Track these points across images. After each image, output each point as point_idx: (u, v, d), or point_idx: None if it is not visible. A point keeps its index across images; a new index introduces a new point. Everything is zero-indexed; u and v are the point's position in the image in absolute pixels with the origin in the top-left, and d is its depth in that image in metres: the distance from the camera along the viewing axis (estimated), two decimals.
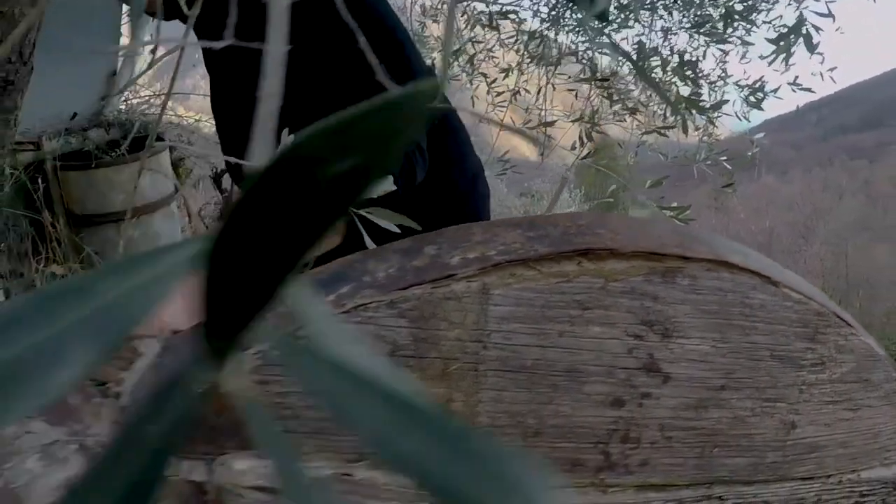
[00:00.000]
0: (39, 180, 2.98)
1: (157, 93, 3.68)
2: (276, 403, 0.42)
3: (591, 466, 0.48)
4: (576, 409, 0.46)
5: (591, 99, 2.30)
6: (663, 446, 0.50)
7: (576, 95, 2.37)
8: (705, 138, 2.94)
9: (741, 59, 2.78)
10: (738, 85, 2.85)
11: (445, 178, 1.19)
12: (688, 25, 1.91)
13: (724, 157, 3.18)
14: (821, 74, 2.43)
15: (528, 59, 2.29)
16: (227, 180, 4.25)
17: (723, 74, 2.28)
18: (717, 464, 0.51)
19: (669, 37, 2.04)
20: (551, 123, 2.18)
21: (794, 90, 2.80)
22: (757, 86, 2.85)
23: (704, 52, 2.06)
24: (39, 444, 0.37)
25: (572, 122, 2.13)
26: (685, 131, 1.82)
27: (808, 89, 2.89)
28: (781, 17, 2.02)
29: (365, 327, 0.42)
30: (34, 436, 0.37)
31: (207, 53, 1.27)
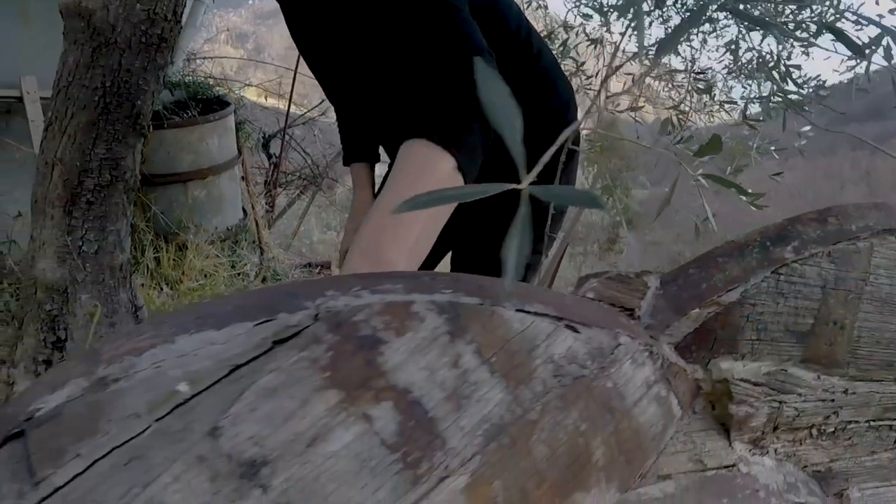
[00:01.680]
0: None
1: (210, 57, 3.81)
2: (754, 321, 0.62)
3: None
4: None
5: (685, 89, 2.50)
6: None
7: (668, 85, 2.56)
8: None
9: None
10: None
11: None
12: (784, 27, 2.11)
13: (773, 147, 3.41)
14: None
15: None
16: (274, 146, 4.37)
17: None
18: None
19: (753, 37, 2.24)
20: (639, 108, 2.37)
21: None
22: (820, 82, 3.07)
23: (790, 53, 2.27)
24: (628, 353, 0.56)
25: (666, 108, 2.33)
26: (784, 127, 2.03)
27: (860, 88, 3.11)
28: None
29: (812, 269, 0.63)
30: (623, 347, 0.55)
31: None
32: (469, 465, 0.41)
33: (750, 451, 0.64)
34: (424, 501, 0.38)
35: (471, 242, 1.38)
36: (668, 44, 0.56)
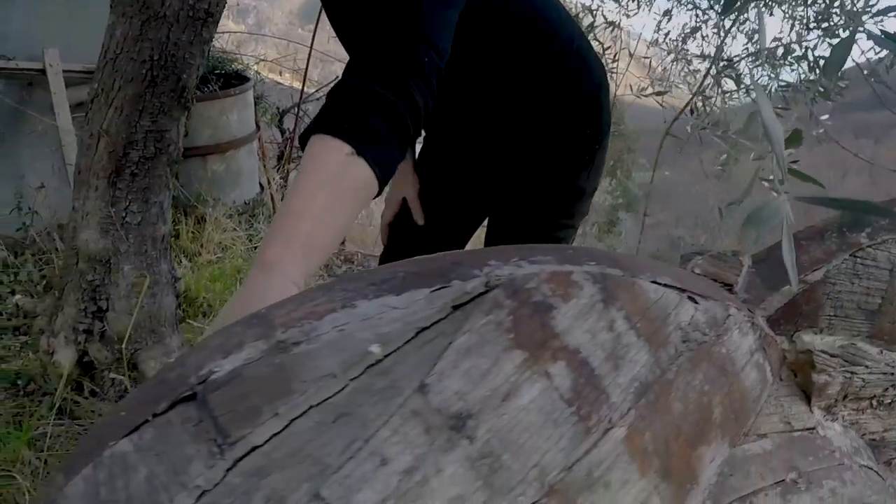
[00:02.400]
0: None
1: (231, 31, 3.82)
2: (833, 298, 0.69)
3: None
4: None
5: (710, 74, 2.55)
6: None
7: (686, 70, 2.61)
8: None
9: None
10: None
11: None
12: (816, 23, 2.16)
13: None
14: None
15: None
16: (288, 120, 4.39)
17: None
18: None
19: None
20: (664, 92, 2.43)
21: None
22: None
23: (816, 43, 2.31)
24: (736, 323, 0.62)
25: (692, 93, 2.39)
26: (811, 115, 2.09)
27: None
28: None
29: (882, 253, 0.70)
30: (732, 317, 0.60)
31: None
32: (626, 419, 0.47)
33: (824, 416, 0.71)
34: (595, 450, 0.44)
35: (509, 211, 1.43)
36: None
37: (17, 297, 2.67)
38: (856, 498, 0.65)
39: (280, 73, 4.58)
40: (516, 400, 0.41)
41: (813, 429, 0.67)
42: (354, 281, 0.46)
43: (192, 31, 1.78)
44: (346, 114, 0.79)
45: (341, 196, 0.75)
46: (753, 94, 2.55)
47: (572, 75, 1.29)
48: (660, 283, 0.54)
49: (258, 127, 3.58)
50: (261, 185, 3.79)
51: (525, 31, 1.24)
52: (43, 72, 2.94)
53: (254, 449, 0.37)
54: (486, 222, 1.56)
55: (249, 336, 0.41)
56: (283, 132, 4.18)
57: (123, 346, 1.86)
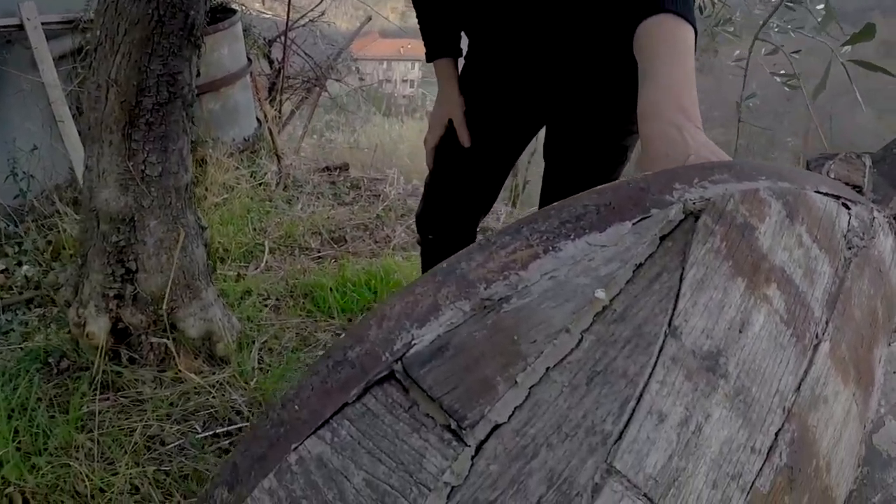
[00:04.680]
0: None
1: None
2: None
3: None
4: None
5: None
6: None
7: None
8: None
9: None
10: None
11: None
12: None
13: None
14: None
15: None
16: (276, 51, 4.27)
17: None
18: None
19: None
20: None
21: None
22: None
23: None
24: (881, 226, 0.63)
25: None
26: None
27: None
28: None
29: None
30: (877, 220, 0.61)
31: None
32: (827, 331, 0.48)
33: None
34: (812, 368, 0.45)
35: (568, 118, 1.42)
36: None
37: (25, 267, 2.63)
38: None
39: (262, 3, 4.42)
40: (751, 329, 0.42)
41: None
42: (543, 220, 0.44)
43: None
44: None
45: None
46: None
47: None
48: (822, 193, 0.55)
49: (250, 60, 3.49)
50: (258, 119, 3.72)
51: None
52: (21, 27, 2.83)
53: (496, 427, 0.33)
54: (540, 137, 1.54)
55: (444, 297, 0.37)
56: (271, 63, 4.07)
57: (164, 306, 1.85)
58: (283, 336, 2.41)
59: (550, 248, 0.41)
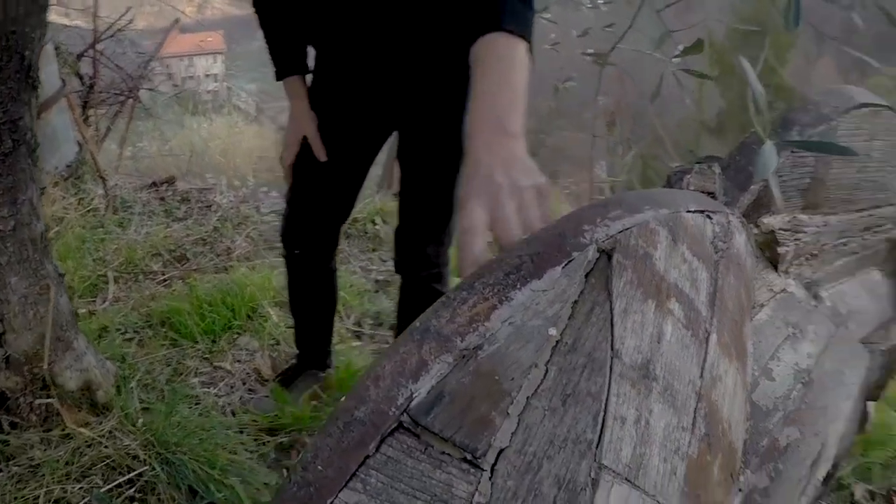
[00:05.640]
0: None
1: None
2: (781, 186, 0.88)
3: None
4: None
5: None
6: None
7: None
8: None
9: None
10: None
11: None
12: None
13: None
14: None
15: None
16: (85, 66, 4.04)
17: None
18: None
19: None
20: None
21: None
22: None
23: None
24: (735, 226, 0.77)
25: None
26: None
27: None
28: None
29: (807, 143, 0.89)
30: (732, 222, 0.75)
31: None
32: (713, 324, 0.62)
33: (784, 277, 0.92)
34: (709, 356, 0.59)
35: (417, 124, 1.52)
36: None
37: None
38: (821, 333, 0.87)
39: (67, 15, 4.13)
40: (664, 338, 0.55)
41: (785, 290, 0.88)
42: (489, 274, 0.52)
43: None
44: (520, 12, 0.96)
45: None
46: None
47: None
48: (692, 211, 0.69)
49: (64, 82, 3.29)
50: (78, 143, 3.53)
51: None
52: None
53: (501, 451, 0.41)
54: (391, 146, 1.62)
55: (427, 353, 0.44)
56: (81, 79, 3.84)
57: (45, 364, 1.78)
58: (154, 370, 2.36)
59: (504, 298, 0.49)
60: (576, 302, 0.51)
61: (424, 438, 0.41)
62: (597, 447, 0.44)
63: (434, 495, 0.39)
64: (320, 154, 1.55)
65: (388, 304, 2.91)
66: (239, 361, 2.54)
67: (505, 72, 0.89)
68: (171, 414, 1.93)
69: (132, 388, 2.12)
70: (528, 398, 0.43)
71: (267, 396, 2.12)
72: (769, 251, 0.88)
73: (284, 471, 1.93)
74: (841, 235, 1.06)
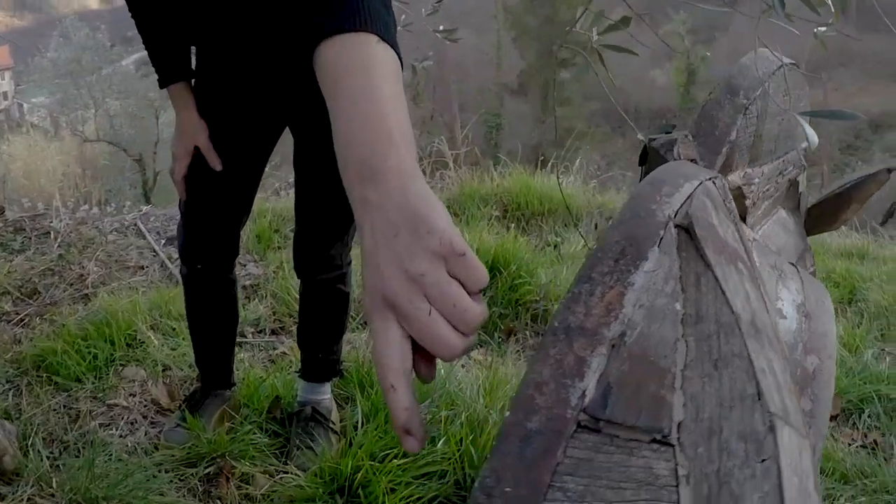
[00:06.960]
0: None
1: None
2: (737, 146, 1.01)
3: None
4: None
5: None
6: None
7: None
8: None
9: None
10: None
11: None
12: None
13: None
14: None
15: None
16: None
17: None
18: None
19: None
20: None
21: None
22: None
23: None
24: (721, 188, 0.89)
25: None
26: None
27: None
28: None
29: (754, 105, 1.04)
30: (720, 189, 0.87)
31: None
32: (759, 278, 0.73)
33: (752, 227, 1.06)
34: (768, 305, 0.69)
35: (306, 125, 1.55)
36: None
37: None
38: (788, 270, 1.01)
39: None
40: (750, 296, 0.64)
41: (756, 239, 1.01)
42: (599, 265, 0.55)
43: None
44: (381, 15, 0.74)
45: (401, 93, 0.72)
46: None
47: None
48: (709, 179, 0.80)
49: None
50: None
51: None
52: None
53: (680, 424, 0.43)
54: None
55: (581, 349, 0.47)
56: None
57: None
58: (49, 422, 2.20)
59: (627, 283, 0.52)
60: (681, 276, 0.55)
61: (607, 431, 0.42)
62: (759, 399, 0.48)
63: (639, 481, 0.41)
64: (215, 164, 1.53)
65: (263, 310, 2.86)
66: (133, 395, 2.42)
67: (363, 88, 0.67)
68: (90, 468, 1.82)
69: (36, 446, 1.99)
70: (682, 370, 0.46)
71: (178, 426, 2.01)
72: (738, 205, 1.01)
73: (218, 501, 1.89)
74: (767, 182, 1.21)
